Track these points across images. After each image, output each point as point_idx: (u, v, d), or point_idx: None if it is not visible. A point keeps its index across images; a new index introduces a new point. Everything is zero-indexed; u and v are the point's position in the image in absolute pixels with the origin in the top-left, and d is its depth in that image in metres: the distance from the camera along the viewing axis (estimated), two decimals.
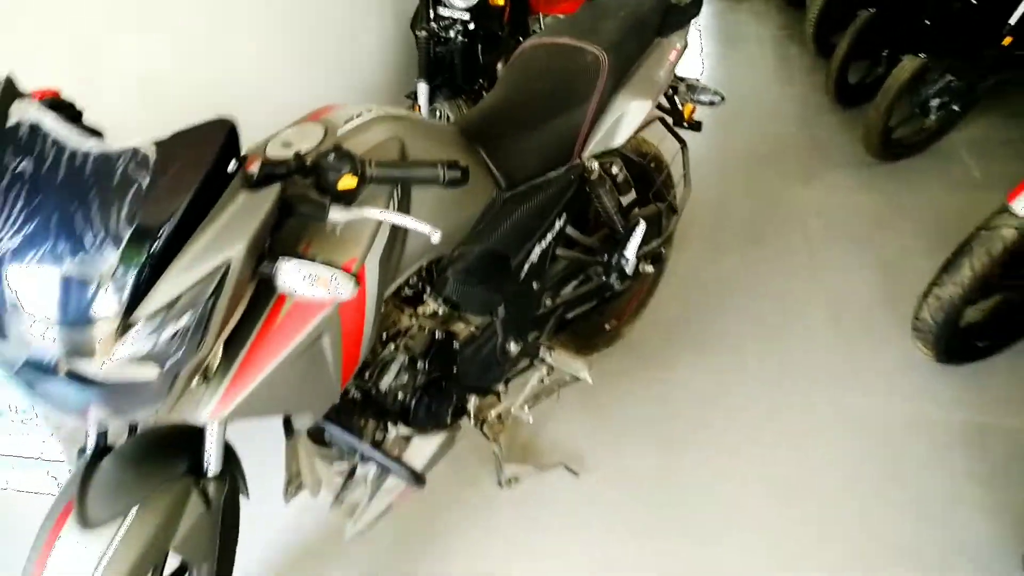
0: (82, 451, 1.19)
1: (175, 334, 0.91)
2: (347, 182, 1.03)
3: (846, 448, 1.93)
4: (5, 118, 0.89)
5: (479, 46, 3.07)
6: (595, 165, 1.69)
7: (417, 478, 1.40)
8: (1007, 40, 2.78)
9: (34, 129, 0.89)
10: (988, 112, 3.34)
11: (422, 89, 2.92)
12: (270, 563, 1.77)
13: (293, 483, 1.59)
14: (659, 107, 1.97)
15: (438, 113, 3.03)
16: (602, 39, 1.65)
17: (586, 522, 1.81)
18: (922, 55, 2.78)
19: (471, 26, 2.95)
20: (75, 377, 0.92)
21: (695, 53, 4.58)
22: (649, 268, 2.04)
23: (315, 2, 2.85)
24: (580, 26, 1.73)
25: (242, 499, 1.41)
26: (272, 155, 1.14)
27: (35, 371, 0.92)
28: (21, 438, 1.91)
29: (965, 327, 2.04)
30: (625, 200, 1.93)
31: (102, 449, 1.19)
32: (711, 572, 1.67)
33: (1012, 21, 2.73)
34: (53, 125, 0.89)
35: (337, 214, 1.04)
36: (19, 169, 0.87)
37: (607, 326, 2.24)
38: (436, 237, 1.07)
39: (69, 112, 1.09)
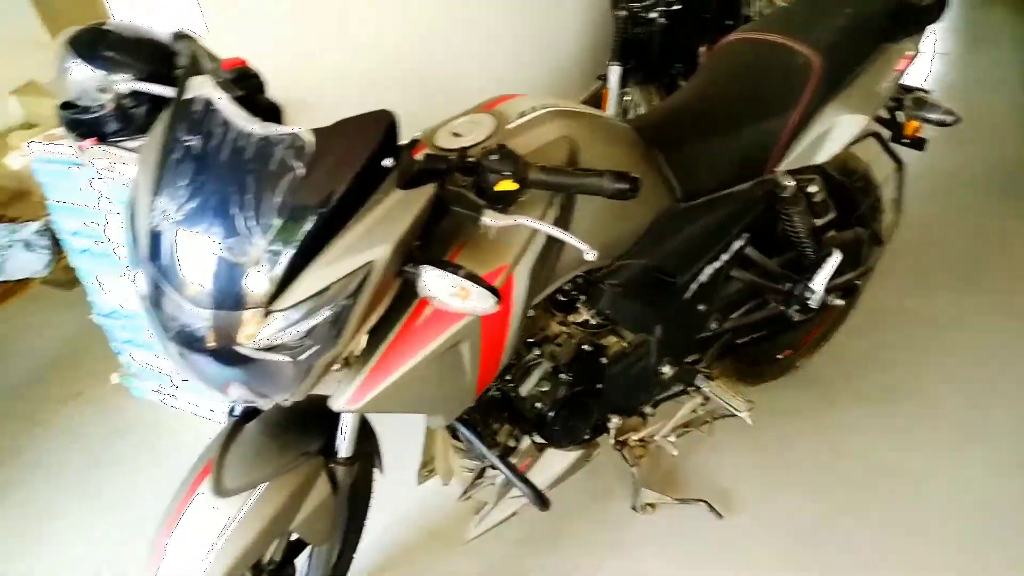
0: (231, 412, 1.25)
1: (312, 328, 0.89)
2: (506, 185, 0.96)
3: None
4: (184, 89, 0.91)
5: (682, 28, 2.88)
6: (790, 182, 1.49)
7: (541, 500, 1.33)
8: None
9: (207, 105, 0.91)
10: None
11: (614, 72, 2.80)
12: (396, 539, 1.80)
13: (427, 467, 1.59)
14: (876, 119, 1.71)
15: (628, 98, 2.90)
16: (818, 39, 1.44)
17: (724, 567, 1.65)
18: None
19: (677, 6, 2.77)
20: (219, 354, 0.94)
21: (925, 55, 4.03)
22: (839, 302, 1.80)
23: None
24: (794, 22, 1.52)
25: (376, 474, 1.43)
26: (440, 144, 1.10)
27: (184, 342, 0.95)
28: None
29: None
30: (820, 221, 1.71)
31: (250, 412, 1.23)
32: None
33: None
34: (225, 104, 0.90)
35: (490, 219, 0.98)
36: (188, 143, 0.89)
37: (779, 355, 2.02)
38: (591, 256, 0.97)
39: (253, 83, 1.11)
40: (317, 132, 0.87)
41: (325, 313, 0.89)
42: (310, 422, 1.24)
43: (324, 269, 0.87)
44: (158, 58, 1.82)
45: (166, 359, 1.02)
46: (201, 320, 0.88)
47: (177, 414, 2.24)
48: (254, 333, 0.87)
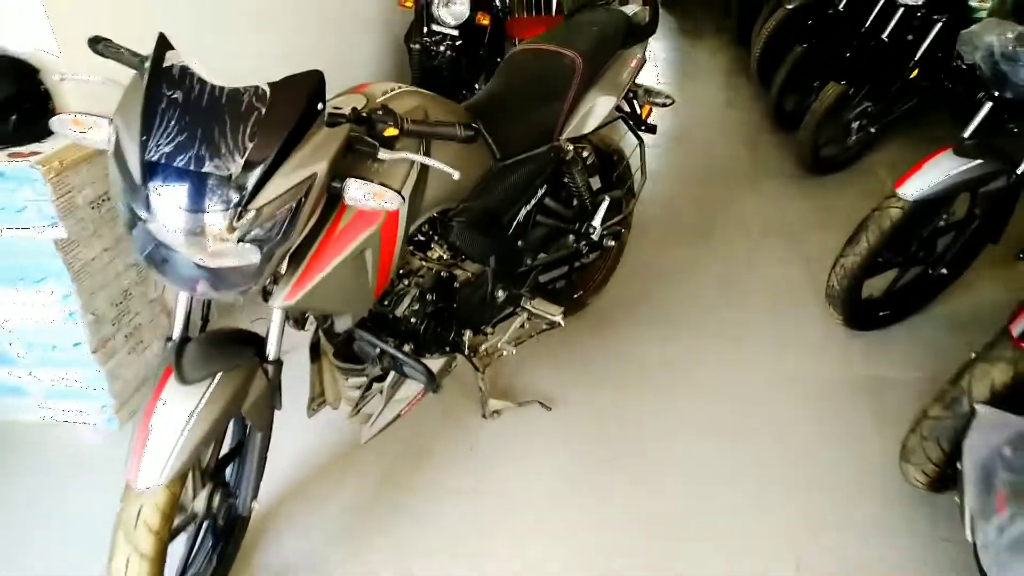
0: (169, 339, 1.52)
1: (274, 224, 1.26)
2: (391, 131, 1.40)
3: (771, 397, 2.33)
4: (162, 61, 1.24)
5: (464, 61, 3.50)
6: (570, 147, 2.09)
7: (432, 378, 1.74)
8: (914, 73, 3.31)
9: (184, 69, 1.25)
10: (902, 137, 3.88)
11: None
12: (293, 471, 2.09)
13: (316, 400, 1.92)
14: (620, 109, 2.39)
15: None
16: (578, 47, 2.07)
17: (556, 446, 2.17)
18: (843, 83, 3.29)
19: (459, 43, 3.37)
20: (192, 261, 1.26)
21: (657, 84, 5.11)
22: (611, 243, 2.45)
23: (313, 20, 3.21)
24: (560, 37, 2.15)
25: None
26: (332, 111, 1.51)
27: (162, 251, 1.26)
28: (69, 371, 2.20)
29: (868, 299, 2.49)
30: (594, 186, 2.34)
31: (185, 338, 1.52)
32: (657, 486, 2.04)
33: (917, 57, 3.26)
34: (198, 67, 1.25)
35: (384, 154, 1.42)
36: (173, 96, 1.22)
37: (575, 295, 2.63)
38: (456, 175, 1.43)
39: None
40: (271, 84, 1.25)
41: (284, 211, 1.26)
42: (238, 339, 1.56)
43: (282, 180, 1.24)
44: (23, 74, 2.05)
45: (147, 267, 1.30)
46: (193, 222, 1.20)
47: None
48: (236, 225, 1.22)
